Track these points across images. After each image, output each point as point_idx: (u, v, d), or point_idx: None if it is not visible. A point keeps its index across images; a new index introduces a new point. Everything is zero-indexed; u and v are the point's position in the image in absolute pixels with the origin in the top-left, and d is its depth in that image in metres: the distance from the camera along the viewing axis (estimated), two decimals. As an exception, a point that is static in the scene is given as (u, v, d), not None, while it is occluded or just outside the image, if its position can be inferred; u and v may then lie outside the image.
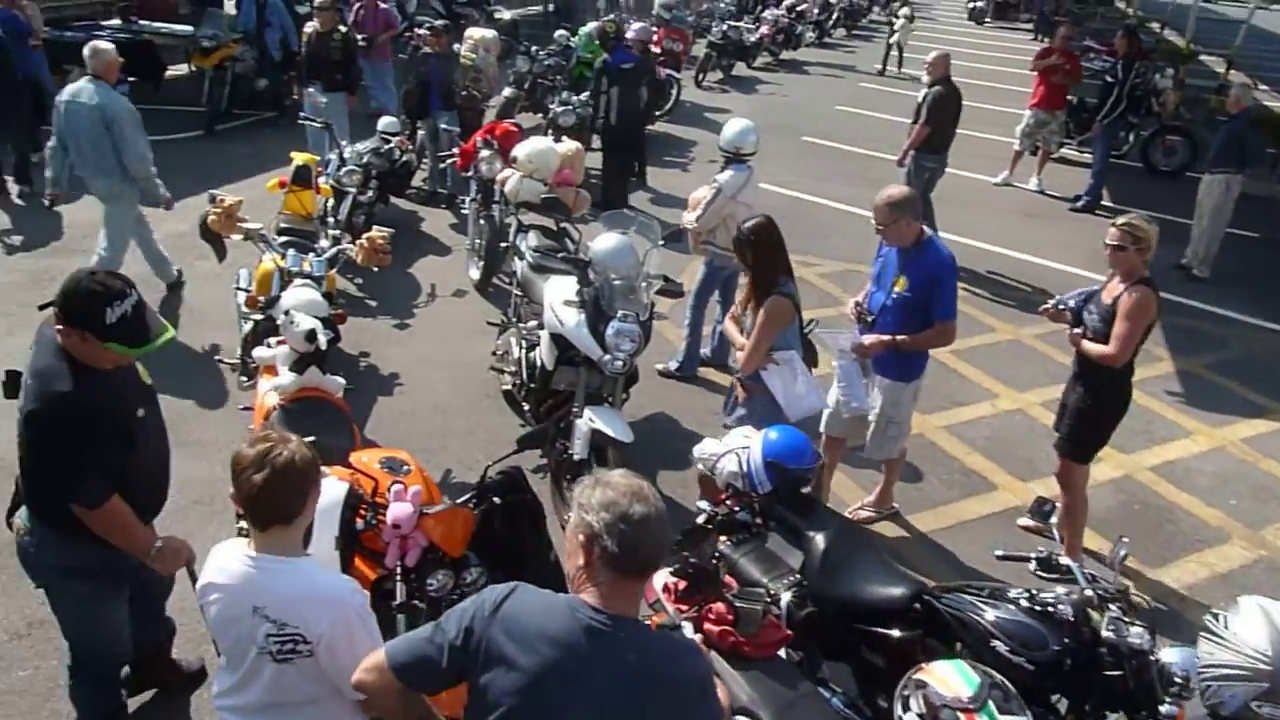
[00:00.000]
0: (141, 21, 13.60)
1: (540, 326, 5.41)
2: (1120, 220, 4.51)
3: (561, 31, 13.27)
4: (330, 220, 7.41)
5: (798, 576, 3.58)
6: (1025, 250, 9.74)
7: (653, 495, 2.15)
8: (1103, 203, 11.30)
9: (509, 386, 5.98)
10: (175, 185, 9.81)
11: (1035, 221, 10.83)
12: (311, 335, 4.10)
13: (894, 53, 19.25)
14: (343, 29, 9.87)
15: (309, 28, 9.75)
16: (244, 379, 5.62)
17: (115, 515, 2.90)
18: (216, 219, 5.17)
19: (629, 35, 10.67)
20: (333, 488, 3.09)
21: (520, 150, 6.54)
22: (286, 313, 4.19)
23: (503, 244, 6.27)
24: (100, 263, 7.06)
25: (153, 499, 3.18)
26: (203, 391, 6.09)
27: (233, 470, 2.29)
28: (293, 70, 12.54)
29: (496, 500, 3.48)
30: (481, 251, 7.72)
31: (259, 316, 5.14)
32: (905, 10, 19.53)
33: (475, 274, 7.81)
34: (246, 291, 6.11)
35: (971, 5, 29.87)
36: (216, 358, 5.89)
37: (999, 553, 3.59)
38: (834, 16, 23.13)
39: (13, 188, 9.40)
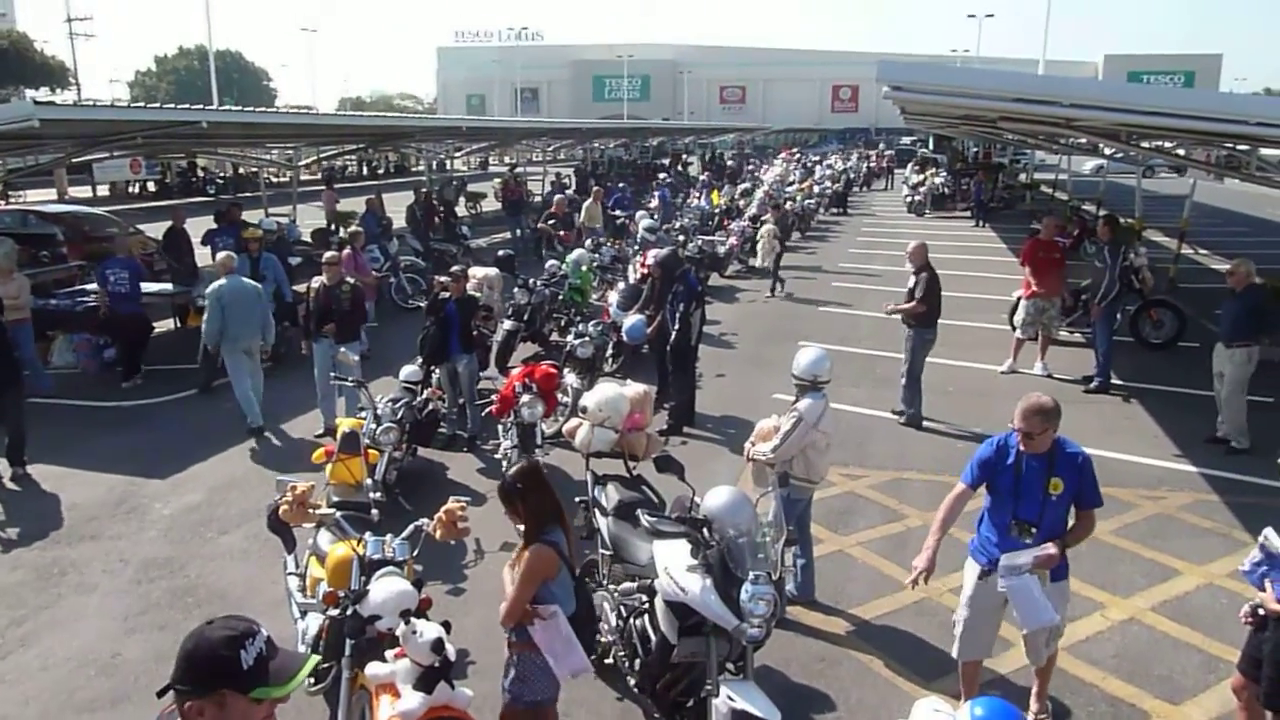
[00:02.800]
0: (126, 284, 13.49)
1: (641, 590, 4.95)
2: None
3: (552, 261, 13.49)
4: (369, 483, 6.98)
5: None
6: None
7: None
8: (1113, 381, 11.36)
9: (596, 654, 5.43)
10: (177, 448, 9.44)
11: (1054, 407, 10.76)
12: (439, 645, 3.60)
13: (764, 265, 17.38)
14: (350, 280, 9.80)
15: (316, 282, 9.64)
16: (311, 683, 4.99)
17: None
18: (288, 509, 4.71)
19: (651, 260, 10.82)
20: None
21: (590, 399, 6.28)
22: (407, 621, 3.69)
23: (577, 499, 5.87)
24: (248, 403, 9.71)
25: None
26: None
27: None
28: (287, 321, 12.45)
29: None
30: (528, 499, 7.29)
31: (335, 612, 4.59)
32: (769, 226, 18.33)
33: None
34: (299, 576, 5.59)
35: (909, 199, 31.55)
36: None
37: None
38: (789, 220, 24.08)
39: (4, 471, 8.82)
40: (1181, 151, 16.84)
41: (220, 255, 10.10)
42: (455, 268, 9.88)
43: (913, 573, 4.77)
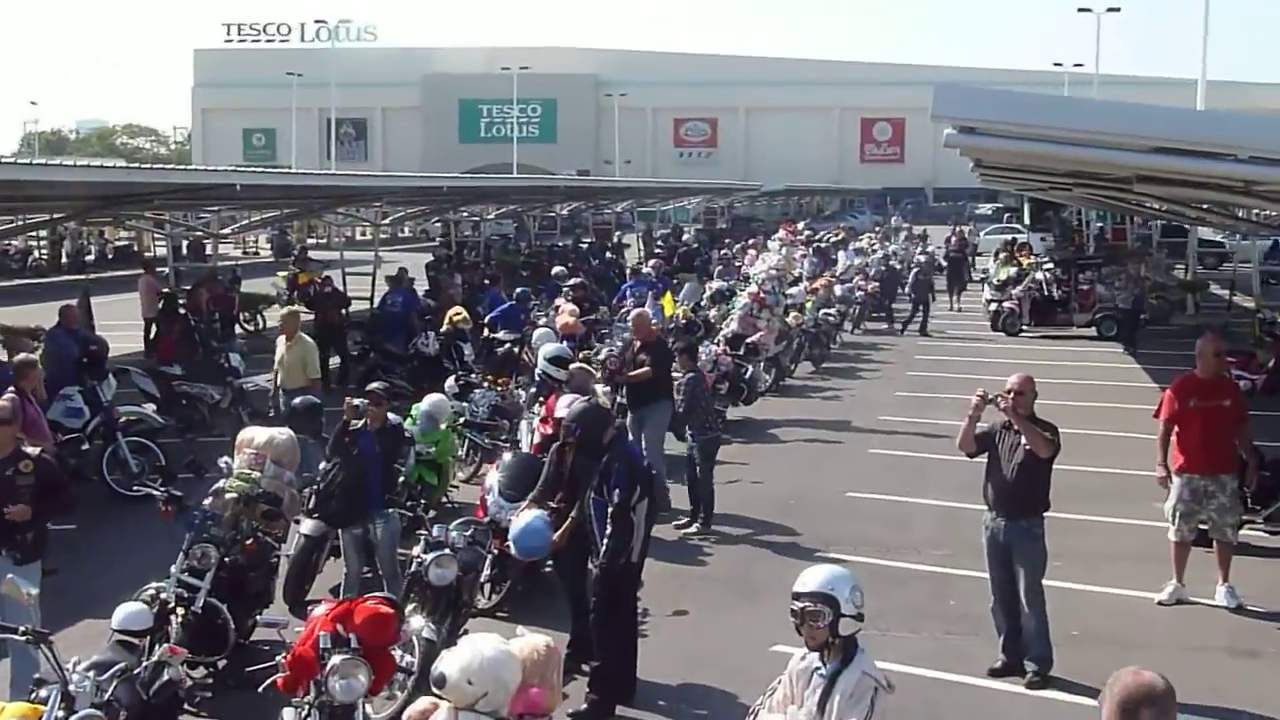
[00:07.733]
0: None
1: None
2: None
3: (392, 416, 13.52)
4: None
5: None
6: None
7: None
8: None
9: None
10: None
11: (1256, 664, 10.90)
12: None
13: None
14: (31, 451, 9.73)
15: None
16: None
17: None
18: None
19: (559, 413, 11.09)
20: None
21: (451, 663, 6.20)
22: None
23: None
24: None
25: None
26: None
27: None
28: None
29: None
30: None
31: None
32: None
33: None
34: None
35: (995, 306, 32.58)
36: None
37: None
38: (794, 344, 24.47)
39: None
40: None
41: None
42: (373, 385, 10.98)
43: None
